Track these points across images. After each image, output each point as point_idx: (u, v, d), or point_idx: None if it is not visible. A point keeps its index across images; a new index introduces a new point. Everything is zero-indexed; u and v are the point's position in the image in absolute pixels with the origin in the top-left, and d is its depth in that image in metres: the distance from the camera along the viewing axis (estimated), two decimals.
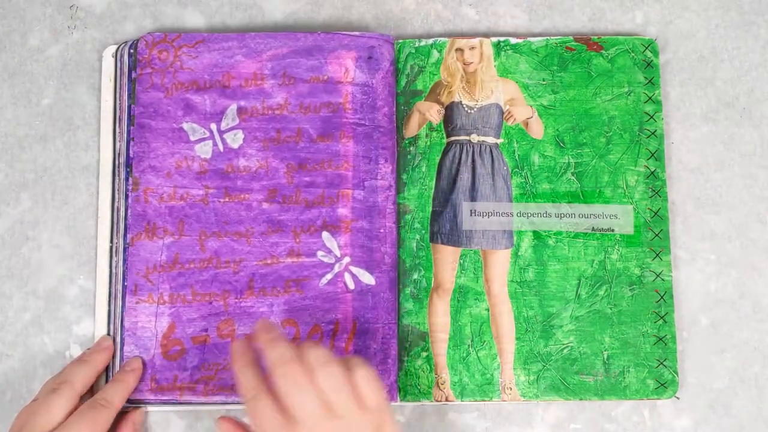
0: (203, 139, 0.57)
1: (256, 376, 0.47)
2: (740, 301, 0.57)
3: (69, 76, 0.59)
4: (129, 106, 0.57)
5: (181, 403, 0.54)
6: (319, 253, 0.56)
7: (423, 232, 0.57)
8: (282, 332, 0.48)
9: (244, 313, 0.55)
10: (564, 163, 0.57)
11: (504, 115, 0.58)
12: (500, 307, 0.56)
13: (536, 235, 0.57)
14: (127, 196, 0.56)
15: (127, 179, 0.56)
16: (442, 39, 0.59)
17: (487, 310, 0.56)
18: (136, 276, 0.55)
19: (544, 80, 0.58)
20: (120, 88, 0.58)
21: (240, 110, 0.57)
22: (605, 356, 0.55)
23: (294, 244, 0.56)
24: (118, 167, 0.57)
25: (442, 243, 0.57)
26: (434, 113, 0.58)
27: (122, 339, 0.55)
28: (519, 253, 0.56)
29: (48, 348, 0.56)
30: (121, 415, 0.53)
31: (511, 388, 0.55)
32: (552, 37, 0.59)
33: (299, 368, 0.46)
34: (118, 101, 0.58)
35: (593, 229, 0.57)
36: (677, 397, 0.56)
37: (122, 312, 0.55)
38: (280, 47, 0.57)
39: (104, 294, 0.56)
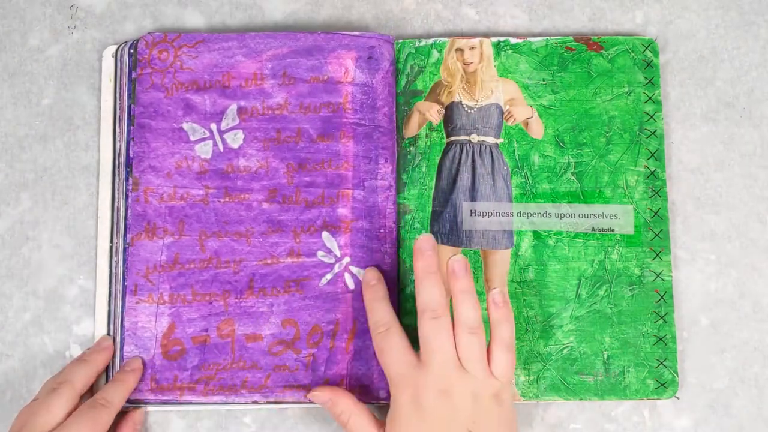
0: (203, 139, 0.57)
1: (390, 312, 0.52)
2: (740, 301, 0.57)
3: (69, 76, 0.59)
4: (129, 106, 0.57)
5: (181, 403, 0.54)
6: (319, 253, 0.56)
7: (423, 232, 0.57)
8: (437, 265, 0.51)
9: (244, 313, 0.55)
10: (564, 163, 0.57)
11: (504, 115, 0.58)
12: None
13: (536, 235, 0.57)
14: (127, 196, 0.56)
15: (127, 179, 0.56)
16: (442, 39, 0.59)
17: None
18: (136, 276, 0.55)
19: (544, 80, 0.58)
20: (120, 88, 0.58)
21: (240, 110, 0.57)
22: (605, 356, 0.55)
23: (294, 244, 0.56)
24: (118, 167, 0.57)
25: (442, 243, 0.57)
26: (434, 113, 0.58)
27: (122, 339, 0.55)
28: (519, 253, 0.56)
29: (48, 348, 0.56)
30: (121, 415, 0.53)
31: None
32: (552, 37, 0.59)
33: (448, 321, 0.50)
34: (118, 101, 0.58)
35: (593, 229, 0.57)
36: (677, 397, 0.56)
37: (122, 312, 0.55)
38: (280, 47, 0.57)
39: (104, 294, 0.56)
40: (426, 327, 0.49)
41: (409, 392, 0.49)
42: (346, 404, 0.51)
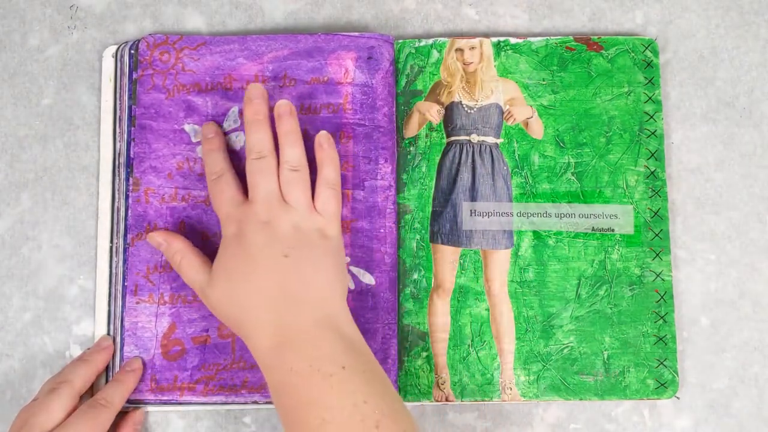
0: None
1: (224, 160, 0.54)
2: (740, 301, 0.57)
3: (69, 76, 0.59)
4: (129, 107, 0.57)
5: (181, 403, 0.54)
6: None
7: (423, 232, 0.57)
8: (266, 111, 0.53)
9: None
10: (564, 163, 0.57)
11: (504, 115, 0.58)
12: (500, 307, 0.56)
13: (536, 235, 0.57)
14: (127, 197, 0.56)
15: (127, 179, 0.56)
16: (442, 39, 0.59)
17: (487, 310, 0.56)
18: (137, 276, 0.55)
19: (544, 80, 0.58)
20: (120, 89, 0.58)
21: (242, 112, 0.57)
22: (605, 356, 0.55)
23: None
24: (118, 167, 0.57)
25: (442, 243, 0.57)
26: (434, 113, 0.58)
27: (122, 339, 0.55)
28: (519, 253, 0.57)
29: (48, 348, 0.56)
30: (121, 415, 0.53)
31: (511, 388, 0.55)
32: (552, 37, 0.59)
33: (272, 161, 0.52)
34: (118, 101, 0.58)
35: (593, 229, 0.57)
36: (677, 397, 0.56)
37: (122, 312, 0.55)
38: (281, 49, 0.57)
39: (104, 294, 0.56)
40: (251, 166, 0.51)
41: (235, 226, 0.50)
42: (179, 246, 0.53)
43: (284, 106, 0.53)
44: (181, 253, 0.53)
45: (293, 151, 0.52)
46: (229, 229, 0.51)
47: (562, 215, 0.57)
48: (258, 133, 0.52)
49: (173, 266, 0.53)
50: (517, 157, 0.58)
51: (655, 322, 0.56)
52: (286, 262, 0.49)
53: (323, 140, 0.53)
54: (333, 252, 0.51)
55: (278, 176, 0.51)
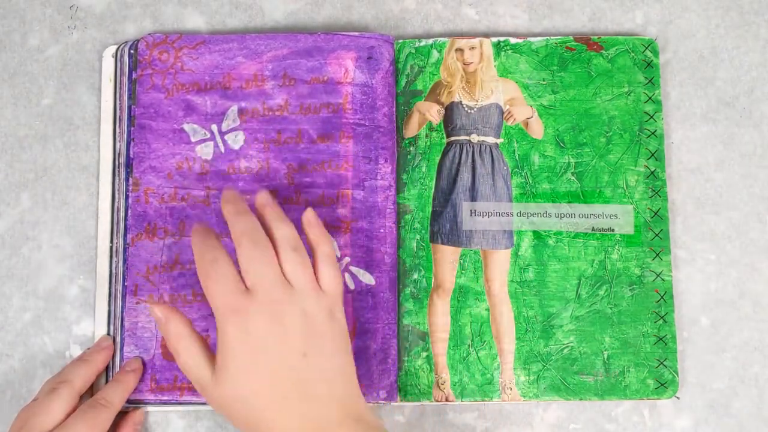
0: (204, 140, 0.57)
1: (216, 246, 0.48)
2: (740, 301, 0.57)
3: (69, 76, 0.59)
4: (129, 107, 0.57)
5: (181, 403, 0.54)
6: None
7: (423, 232, 0.57)
8: (247, 206, 0.49)
9: None
10: (564, 163, 0.57)
11: (504, 115, 0.58)
12: (500, 307, 0.56)
13: (536, 235, 0.57)
14: (127, 197, 0.56)
15: (127, 179, 0.56)
16: (442, 39, 0.59)
17: (487, 310, 0.56)
18: (137, 276, 0.55)
19: (544, 80, 0.58)
20: (120, 89, 0.58)
21: (241, 111, 0.57)
22: (605, 356, 0.55)
23: None
24: (118, 167, 0.57)
25: (442, 243, 0.57)
26: (434, 113, 0.58)
27: (122, 339, 0.55)
28: (519, 253, 0.57)
29: (48, 348, 0.56)
30: (121, 415, 0.53)
31: (511, 388, 0.55)
32: (552, 37, 0.59)
33: (265, 242, 0.47)
34: (118, 101, 0.58)
35: (593, 229, 0.57)
36: (677, 397, 0.56)
37: (122, 312, 0.55)
38: (281, 48, 0.57)
39: (104, 294, 0.56)
40: (246, 254, 0.47)
41: (237, 318, 0.46)
42: (179, 327, 0.48)
43: (264, 197, 0.50)
44: (179, 336, 0.48)
45: (289, 231, 0.48)
46: (230, 321, 0.46)
47: (562, 215, 0.57)
48: (246, 222, 0.48)
49: (169, 347, 0.49)
50: (517, 157, 0.58)
51: (655, 322, 0.56)
52: (303, 360, 0.46)
53: (311, 218, 0.50)
54: (342, 335, 0.48)
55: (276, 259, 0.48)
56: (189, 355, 0.47)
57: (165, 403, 0.54)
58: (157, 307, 0.49)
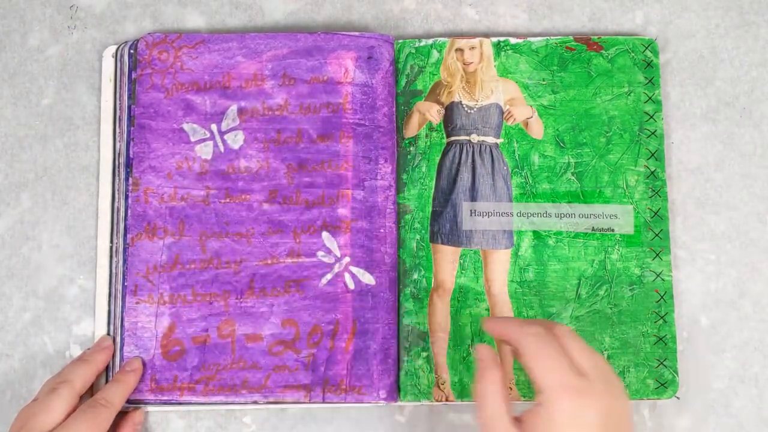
0: (204, 140, 0.57)
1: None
2: (740, 301, 0.57)
3: (69, 76, 0.59)
4: (129, 107, 0.57)
5: (181, 403, 0.54)
6: (319, 254, 0.56)
7: (423, 232, 0.57)
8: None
9: (244, 313, 0.55)
10: (564, 163, 0.57)
11: (504, 115, 0.58)
12: (500, 307, 0.56)
13: (536, 235, 0.57)
14: (127, 197, 0.56)
15: (127, 179, 0.56)
16: (442, 39, 0.59)
17: (487, 310, 0.56)
18: (136, 276, 0.55)
19: (544, 80, 0.58)
20: (120, 89, 0.58)
21: (240, 111, 0.57)
22: (605, 356, 0.55)
23: (294, 244, 0.56)
24: (118, 167, 0.57)
25: (442, 243, 0.57)
26: (434, 113, 0.58)
27: (122, 339, 0.55)
28: (519, 253, 0.56)
29: (48, 348, 0.56)
30: (121, 415, 0.53)
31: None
32: (552, 37, 0.59)
33: (551, 337, 0.45)
34: (118, 101, 0.58)
35: (593, 229, 0.57)
36: (677, 397, 0.56)
37: (122, 312, 0.55)
38: (280, 48, 0.57)
39: (104, 294, 0.56)
40: (572, 345, 0.46)
41: (575, 398, 0.43)
42: (492, 381, 0.46)
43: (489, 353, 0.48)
44: (489, 389, 0.46)
45: (564, 326, 0.47)
46: (565, 398, 0.43)
47: (562, 215, 0.57)
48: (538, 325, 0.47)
49: (476, 390, 0.47)
50: (517, 157, 0.58)
51: (655, 322, 0.56)
52: None
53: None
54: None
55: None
56: (494, 406, 0.46)
57: (165, 403, 0.54)
58: (482, 349, 0.48)
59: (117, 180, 0.57)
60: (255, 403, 0.54)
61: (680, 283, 0.58)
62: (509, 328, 0.47)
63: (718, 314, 0.57)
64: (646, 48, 0.59)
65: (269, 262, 0.56)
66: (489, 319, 0.50)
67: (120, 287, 0.56)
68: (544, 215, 0.57)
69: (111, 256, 0.56)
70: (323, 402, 0.54)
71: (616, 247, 0.57)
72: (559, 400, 0.43)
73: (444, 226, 0.57)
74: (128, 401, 0.54)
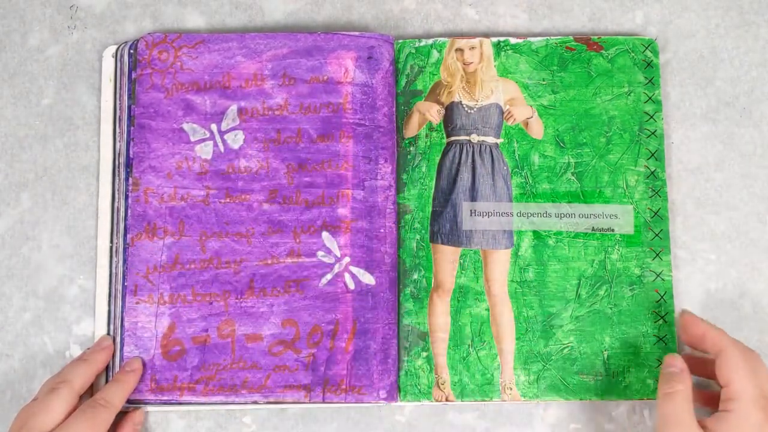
0: (204, 140, 0.57)
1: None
2: (740, 301, 0.57)
3: (69, 76, 0.59)
4: (129, 107, 0.57)
5: (181, 403, 0.54)
6: (319, 254, 0.56)
7: (423, 232, 0.57)
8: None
9: (244, 313, 0.55)
10: (564, 163, 0.57)
11: (504, 115, 0.58)
12: (500, 307, 0.56)
13: (536, 235, 0.57)
14: (127, 197, 0.56)
15: (127, 179, 0.56)
16: (442, 39, 0.59)
17: (487, 310, 0.56)
18: (136, 276, 0.55)
19: (544, 80, 0.58)
20: (120, 89, 0.58)
21: (240, 111, 0.57)
22: (605, 356, 0.55)
23: (294, 244, 0.56)
24: (118, 167, 0.57)
25: (442, 243, 0.57)
26: (434, 113, 0.58)
27: (122, 339, 0.55)
28: (519, 253, 0.56)
29: (48, 348, 0.56)
30: (121, 415, 0.53)
31: (511, 388, 0.55)
32: (552, 37, 0.59)
33: (756, 355, 0.51)
34: (118, 101, 0.58)
35: (593, 229, 0.57)
36: None
37: (122, 312, 0.55)
38: (280, 48, 0.57)
39: (104, 294, 0.56)
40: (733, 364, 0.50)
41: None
42: (686, 387, 0.50)
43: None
44: (680, 393, 0.50)
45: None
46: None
47: (562, 215, 0.57)
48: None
49: (661, 390, 0.51)
50: (517, 157, 0.58)
51: (655, 322, 0.56)
52: None
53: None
54: None
55: None
56: (686, 413, 0.50)
57: (165, 403, 0.54)
58: (672, 359, 0.52)
59: (117, 180, 0.57)
60: (255, 403, 0.54)
61: (680, 283, 0.58)
62: (714, 331, 0.52)
63: (718, 314, 0.57)
64: (646, 48, 0.59)
65: (269, 262, 0.56)
66: (691, 316, 0.55)
67: (120, 287, 0.56)
68: (544, 215, 0.57)
69: (111, 256, 0.56)
70: (323, 402, 0.54)
71: (616, 247, 0.57)
72: (754, 411, 0.48)
73: (444, 226, 0.57)
74: (128, 401, 0.54)
